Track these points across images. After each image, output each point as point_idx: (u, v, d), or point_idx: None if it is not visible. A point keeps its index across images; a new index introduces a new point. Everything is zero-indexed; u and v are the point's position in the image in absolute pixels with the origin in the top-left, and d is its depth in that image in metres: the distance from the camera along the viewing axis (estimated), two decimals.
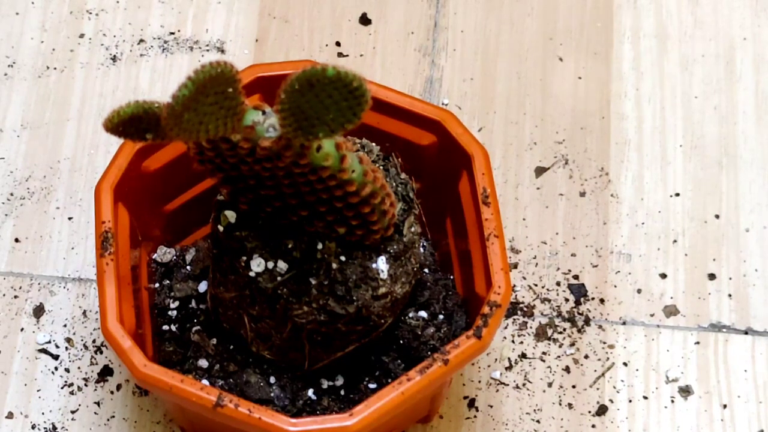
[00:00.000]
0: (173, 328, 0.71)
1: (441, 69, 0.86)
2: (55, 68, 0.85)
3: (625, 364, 0.77)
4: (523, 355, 0.77)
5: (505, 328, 0.78)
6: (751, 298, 0.79)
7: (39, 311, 0.77)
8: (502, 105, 0.85)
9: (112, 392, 0.75)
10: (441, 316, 0.69)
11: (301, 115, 0.52)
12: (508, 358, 0.77)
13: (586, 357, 0.77)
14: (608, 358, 0.77)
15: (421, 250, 0.72)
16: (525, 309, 0.78)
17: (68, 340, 0.76)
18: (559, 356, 0.77)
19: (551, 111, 0.84)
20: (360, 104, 0.52)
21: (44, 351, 0.76)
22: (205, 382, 0.67)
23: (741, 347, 0.77)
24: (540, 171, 0.82)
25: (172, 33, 0.87)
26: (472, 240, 0.67)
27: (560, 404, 0.76)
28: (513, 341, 0.77)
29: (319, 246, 0.62)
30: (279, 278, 0.63)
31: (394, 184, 0.65)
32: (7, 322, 0.77)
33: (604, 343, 0.77)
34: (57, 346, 0.76)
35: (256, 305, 0.65)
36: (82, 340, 0.76)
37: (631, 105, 0.85)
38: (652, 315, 0.78)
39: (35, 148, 0.82)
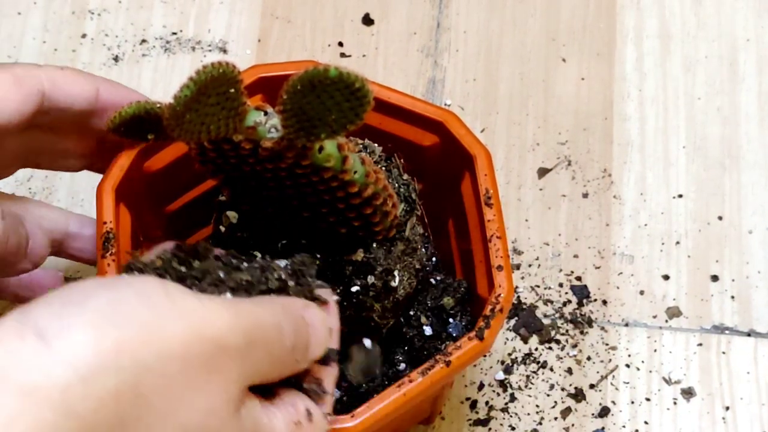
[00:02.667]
0: None
1: (443, 70, 0.86)
2: None
3: (627, 365, 0.77)
4: (525, 357, 0.77)
5: (508, 329, 0.77)
6: (754, 300, 0.79)
7: None
8: (504, 106, 0.84)
9: None
10: (442, 318, 0.69)
11: (303, 115, 0.52)
12: (510, 360, 0.77)
13: (589, 358, 0.77)
14: (610, 360, 0.77)
15: (423, 251, 0.72)
16: (527, 310, 0.78)
17: None
18: (561, 358, 0.77)
19: (554, 112, 0.84)
20: (362, 105, 0.52)
21: None
22: None
23: (744, 349, 0.77)
24: (543, 172, 0.82)
25: (174, 33, 0.86)
26: (474, 241, 0.67)
27: (562, 406, 0.75)
28: (515, 342, 0.77)
29: None
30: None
31: (396, 185, 0.65)
32: None
33: (607, 344, 0.77)
34: None
35: None
36: None
37: (634, 106, 0.85)
38: (654, 316, 0.78)
39: None
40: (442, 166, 0.69)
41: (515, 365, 0.76)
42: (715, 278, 0.79)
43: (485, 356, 0.76)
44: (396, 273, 0.63)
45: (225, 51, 0.86)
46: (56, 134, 0.65)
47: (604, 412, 0.75)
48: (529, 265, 0.79)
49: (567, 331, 0.77)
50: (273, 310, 0.53)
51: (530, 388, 0.76)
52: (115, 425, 0.46)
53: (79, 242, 0.68)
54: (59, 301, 0.47)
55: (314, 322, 0.55)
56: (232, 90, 0.52)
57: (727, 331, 0.78)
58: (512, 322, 0.78)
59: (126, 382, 0.46)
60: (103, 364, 0.45)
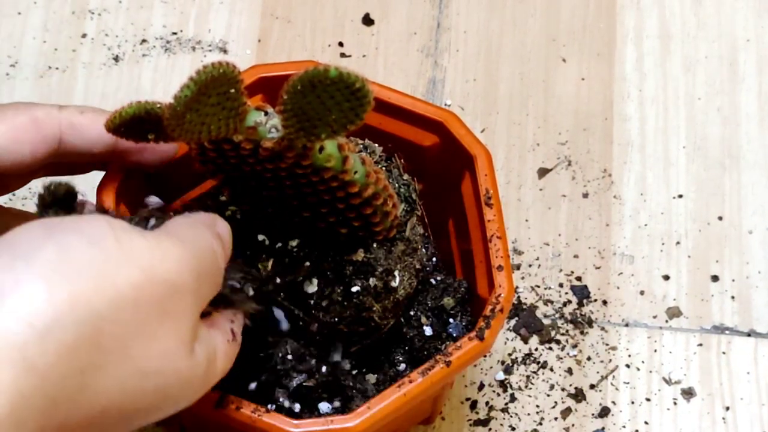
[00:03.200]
0: None
1: (444, 70, 0.86)
2: (57, 68, 0.85)
3: (627, 365, 0.77)
4: (526, 357, 0.77)
5: (508, 329, 0.77)
6: (754, 300, 0.79)
7: None
8: (504, 106, 0.84)
9: None
10: (443, 318, 0.69)
11: (303, 116, 0.52)
12: (510, 360, 0.76)
13: (589, 359, 0.77)
14: (611, 360, 0.77)
15: (424, 251, 0.72)
16: (527, 310, 0.78)
17: None
18: (561, 358, 0.77)
19: (554, 112, 0.84)
20: (362, 105, 0.52)
21: None
22: None
23: (744, 349, 0.77)
24: (543, 172, 0.82)
25: (175, 33, 0.86)
26: (474, 241, 0.67)
27: (562, 406, 0.75)
28: (515, 343, 0.77)
29: None
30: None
31: (396, 185, 0.65)
32: None
33: (607, 344, 0.77)
34: None
35: None
36: None
37: (634, 106, 0.85)
38: (654, 317, 0.78)
39: None
40: (443, 166, 0.69)
41: (515, 365, 0.76)
42: (715, 278, 0.79)
43: (485, 356, 0.76)
44: (396, 273, 0.63)
45: (225, 51, 0.86)
46: (72, 166, 0.65)
47: (604, 412, 0.75)
48: (530, 266, 0.79)
49: (567, 331, 0.77)
50: (204, 233, 0.54)
51: (530, 389, 0.76)
52: (74, 377, 0.46)
53: None
54: (7, 254, 0.47)
55: (223, 234, 0.56)
56: (233, 90, 0.52)
57: (727, 332, 0.78)
58: (512, 322, 0.78)
59: (83, 333, 0.46)
60: (59, 317, 0.45)
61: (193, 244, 0.52)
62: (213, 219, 0.56)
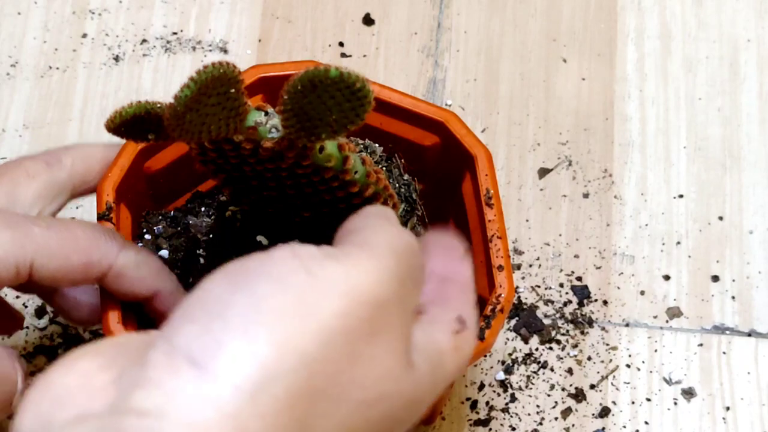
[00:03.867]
0: None
1: (444, 70, 0.86)
2: (57, 68, 0.85)
3: (627, 365, 0.77)
4: (526, 357, 0.77)
5: (508, 329, 0.77)
6: (755, 300, 0.79)
7: (41, 312, 0.77)
8: (505, 106, 0.84)
9: None
10: None
11: (303, 116, 0.52)
12: (511, 360, 0.77)
13: (589, 359, 0.77)
14: (611, 360, 0.77)
15: None
16: (528, 310, 0.78)
17: None
18: (561, 358, 0.77)
19: (555, 112, 0.84)
20: (363, 105, 0.52)
21: None
22: None
23: (744, 349, 0.77)
24: (543, 172, 0.82)
25: (175, 33, 0.86)
26: (475, 241, 0.67)
27: (563, 406, 0.75)
28: (515, 342, 0.77)
29: None
30: None
31: (397, 185, 0.65)
32: None
33: (607, 344, 0.77)
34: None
35: None
36: None
37: (635, 106, 0.85)
38: (655, 317, 0.78)
39: (37, 148, 0.82)
40: (443, 167, 0.69)
41: (516, 365, 0.76)
42: (715, 278, 0.79)
43: (486, 356, 0.76)
44: None
45: (225, 51, 0.86)
46: None
47: (604, 412, 0.75)
48: (530, 266, 0.79)
49: (567, 331, 0.77)
50: (392, 230, 0.49)
51: (531, 389, 0.76)
52: (296, 430, 0.43)
53: (66, 303, 0.68)
54: (200, 316, 0.43)
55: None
56: (233, 90, 0.52)
57: (727, 332, 0.78)
58: (513, 322, 0.78)
59: (295, 383, 0.43)
60: (267, 373, 0.42)
61: (386, 248, 0.47)
62: (387, 210, 0.52)
